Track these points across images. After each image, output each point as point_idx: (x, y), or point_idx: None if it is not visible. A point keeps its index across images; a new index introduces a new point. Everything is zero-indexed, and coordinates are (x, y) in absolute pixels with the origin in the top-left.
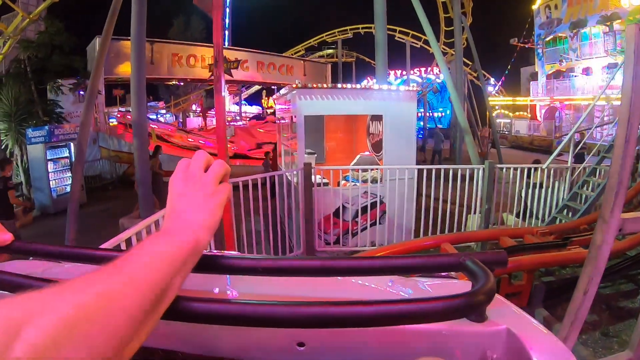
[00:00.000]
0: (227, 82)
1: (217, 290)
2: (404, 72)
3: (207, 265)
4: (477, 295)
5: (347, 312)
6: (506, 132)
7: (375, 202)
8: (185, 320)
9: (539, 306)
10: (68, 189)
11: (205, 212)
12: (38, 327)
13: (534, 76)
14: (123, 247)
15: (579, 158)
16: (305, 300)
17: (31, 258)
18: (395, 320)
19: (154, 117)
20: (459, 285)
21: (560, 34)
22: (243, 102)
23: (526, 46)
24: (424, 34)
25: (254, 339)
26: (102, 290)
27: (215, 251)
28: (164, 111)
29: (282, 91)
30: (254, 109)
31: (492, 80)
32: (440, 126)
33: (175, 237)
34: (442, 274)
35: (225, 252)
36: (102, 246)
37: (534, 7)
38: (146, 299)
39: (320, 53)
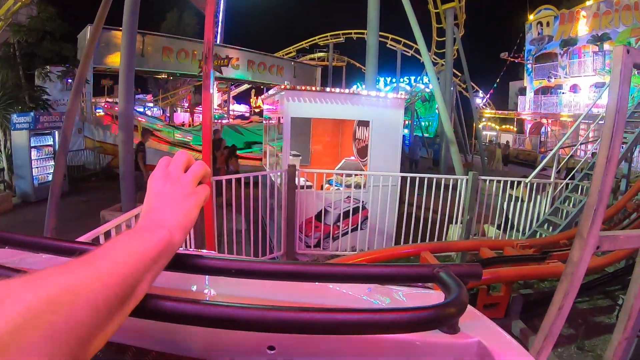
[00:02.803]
0: (216, 79)
1: (194, 288)
2: (394, 79)
3: (180, 264)
4: (448, 307)
5: (317, 319)
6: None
7: (358, 207)
8: (153, 319)
9: (516, 318)
10: (50, 177)
11: (181, 212)
12: (2, 315)
13: (522, 91)
14: (102, 240)
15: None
16: (281, 304)
17: (6, 247)
18: (366, 329)
19: (141, 109)
20: (434, 296)
21: (550, 51)
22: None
23: (516, 61)
24: (416, 43)
25: (225, 340)
26: (68, 283)
27: (191, 249)
28: (151, 104)
29: (271, 91)
30: (242, 108)
31: (480, 93)
32: (417, 135)
33: (148, 234)
34: (418, 284)
35: (203, 251)
36: (81, 238)
37: (526, 23)
38: (113, 294)
39: (312, 56)
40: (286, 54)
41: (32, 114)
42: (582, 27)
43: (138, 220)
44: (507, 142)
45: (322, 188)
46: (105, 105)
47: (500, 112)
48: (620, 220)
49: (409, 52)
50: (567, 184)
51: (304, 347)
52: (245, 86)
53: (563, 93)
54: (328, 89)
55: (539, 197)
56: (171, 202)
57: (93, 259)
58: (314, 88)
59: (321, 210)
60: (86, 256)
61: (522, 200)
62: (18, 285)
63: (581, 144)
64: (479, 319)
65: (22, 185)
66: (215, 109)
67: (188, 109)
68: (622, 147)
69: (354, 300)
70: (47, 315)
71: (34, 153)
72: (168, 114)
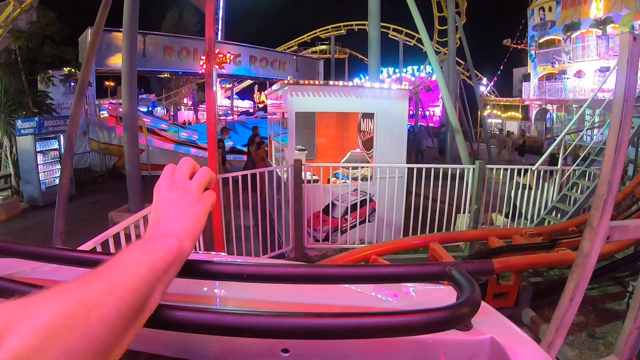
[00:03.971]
0: (219, 76)
1: (205, 289)
2: (397, 70)
3: (190, 270)
4: (462, 307)
5: (331, 325)
6: (497, 133)
7: (365, 199)
8: (167, 329)
9: (526, 306)
10: (57, 181)
11: (189, 220)
12: (20, 335)
13: (526, 77)
14: (111, 243)
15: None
16: (291, 304)
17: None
18: (380, 333)
19: (144, 109)
20: (444, 291)
21: (553, 37)
22: (235, 96)
23: (519, 47)
24: (418, 32)
25: (238, 344)
26: (83, 299)
27: (201, 253)
28: (155, 104)
29: (274, 87)
30: (246, 104)
31: (484, 80)
32: (424, 124)
33: (157, 245)
34: None
35: (212, 253)
36: (90, 242)
37: (528, 8)
38: (127, 307)
39: (313, 49)
40: (288, 48)
41: (36, 119)
42: (585, 11)
43: (147, 230)
44: (523, 130)
45: (328, 182)
46: (110, 108)
47: (505, 99)
48: (628, 206)
49: (411, 42)
50: (574, 170)
51: (317, 348)
52: (248, 82)
53: (567, 78)
54: (331, 82)
55: (546, 184)
56: (178, 211)
57: (105, 272)
58: (317, 82)
59: (329, 204)
60: (98, 270)
61: (530, 188)
62: (33, 303)
63: (587, 129)
64: (491, 315)
65: (29, 190)
66: (219, 106)
67: (191, 107)
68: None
69: (363, 297)
70: (64, 333)
71: (40, 158)
72: (172, 113)
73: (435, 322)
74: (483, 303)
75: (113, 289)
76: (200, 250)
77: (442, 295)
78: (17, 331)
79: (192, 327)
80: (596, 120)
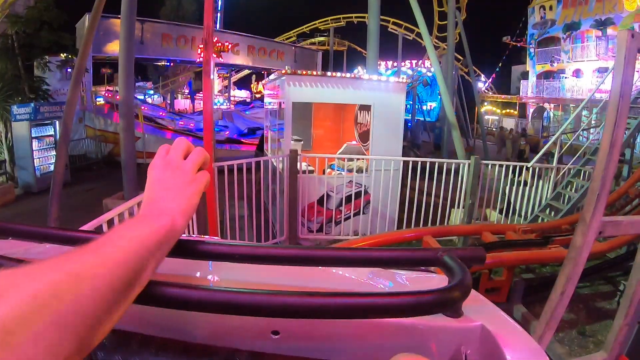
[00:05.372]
0: (217, 65)
1: (198, 274)
2: (395, 64)
3: (183, 250)
4: (452, 291)
5: (322, 303)
6: (494, 129)
7: (360, 191)
8: (157, 305)
9: (517, 303)
10: (52, 167)
11: (183, 199)
12: (7, 303)
13: (524, 75)
14: (105, 228)
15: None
16: (284, 289)
17: (10, 238)
18: (369, 313)
19: (141, 97)
20: (436, 279)
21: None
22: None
23: (518, 45)
24: (417, 27)
25: (229, 325)
26: (73, 270)
27: (194, 236)
28: (152, 91)
29: (272, 77)
30: (243, 93)
31: (482, 77)
32: (420, 119)
33: (150, 221)
34: (421, 267)
35: (206, 237)
36: (84, 227)
37: (529, 7)
38: (118, 280)
39: (312, 40)
40: (286, 39)
41: (32, 104)
42: (586, 11)
43: (140, 208)
44: (524, 129)
45: (324, 173)
46: (106, 94)
47: (503, 96)
48: (622, 206)
49: (410, 36)
50: (569, 169)
51: (308, 331)
52: (245, 72)
53: (566, 77)
54: (329, 74)
55: (540, 182)
56: (172, 190)
57: (97, 246)
58: (315, 72)
59: (323, 195)
60: (90, 244)
61: (526, 184)
62: (23, 273)
63: (583, 129)
64: (482, 303)
65: (24, 176)
66: (216, 95)
67: (188, 96)
68: (625, 132)
69: (357, 284)
70: (53, 303)
71: (35, 144)
72: (169, 101)
73: (424, 304)
74: (474, 291)
75: (104, 262)
76: (193, 234)
77: (435, 283)
78: (5, 299)
79: (182, 303)
80: (592, 120)
